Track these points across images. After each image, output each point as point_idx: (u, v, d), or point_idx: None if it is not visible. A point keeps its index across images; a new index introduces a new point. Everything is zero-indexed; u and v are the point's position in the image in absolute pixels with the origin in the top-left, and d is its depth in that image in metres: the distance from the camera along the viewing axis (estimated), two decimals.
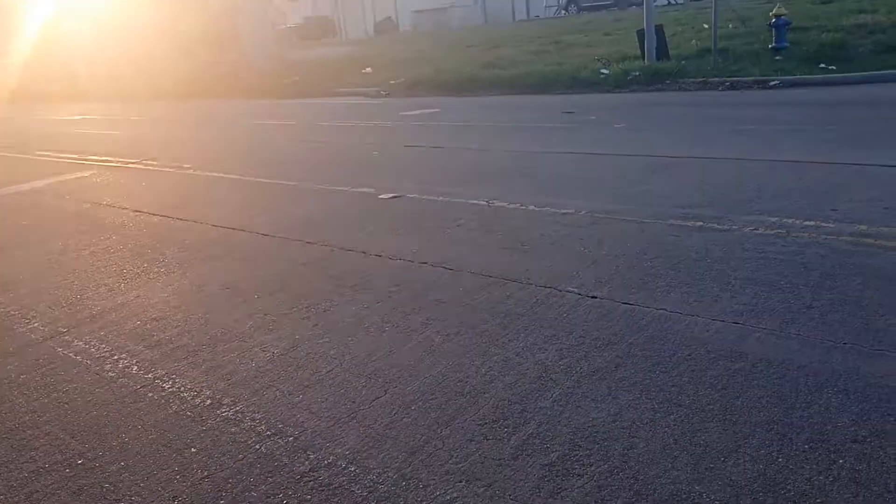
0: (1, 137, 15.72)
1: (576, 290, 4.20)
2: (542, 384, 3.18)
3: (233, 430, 3.04)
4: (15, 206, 8.15)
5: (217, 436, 3.01)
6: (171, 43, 31.19)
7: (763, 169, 6.75)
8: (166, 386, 3.50)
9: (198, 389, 3.42)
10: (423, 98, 15.80)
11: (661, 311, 3.79)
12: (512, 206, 6.18)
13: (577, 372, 3.26)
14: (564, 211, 5.85)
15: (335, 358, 3.62)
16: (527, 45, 22.11)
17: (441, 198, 6.69)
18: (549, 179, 7.19)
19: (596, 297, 4.06)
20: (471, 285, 4.43)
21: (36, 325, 4.50)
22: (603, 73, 15.44)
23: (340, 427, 2.98)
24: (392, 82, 18.62)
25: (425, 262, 4.92)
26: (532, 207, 6.05)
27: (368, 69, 22.52)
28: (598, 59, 16.88)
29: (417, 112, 13.40)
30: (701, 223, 5.25)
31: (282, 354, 3.71)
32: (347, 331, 3.93)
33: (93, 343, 4.10)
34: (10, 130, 17.29)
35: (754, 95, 12.14)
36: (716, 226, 5.17)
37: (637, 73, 14.67)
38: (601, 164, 7.81)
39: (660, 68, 14.62)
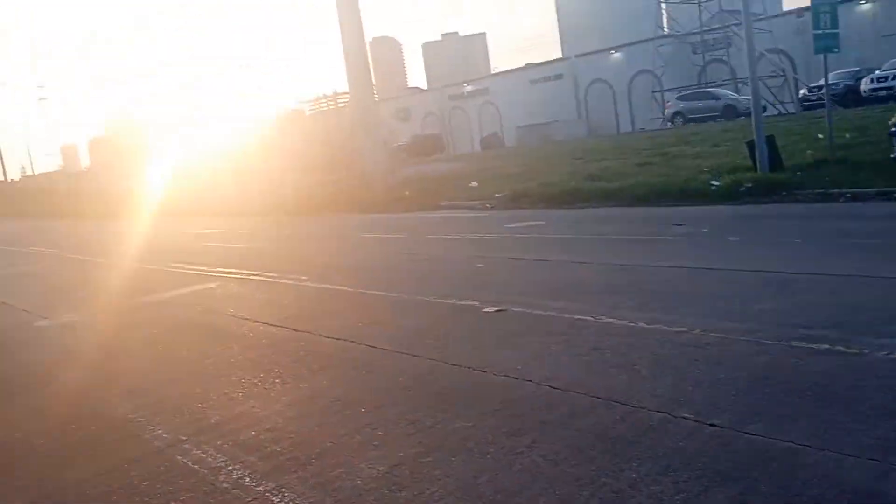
0: (140, 251, 16.98)
1: (692, 416, 4.04)
2: None
3: None
4: (146, 316, 8.73)
5: None
6: (292, 162, 33.34)
7: (891, 287, 6.42)
8: (276, 500, 3.58)
9: None
10: (527, 211, 16.06)
11: (786, 444, 3.58)
12: (620, 322, 6.10)
13: None
14: (676, 329, 5.72)
15: (439, 479, 3.60)
16: (632, 157, 22.27)
17: (546, 312, 6.69)
18: (659, 295, 7.08)
19: (714, 426, 3.88)
20: (578, 406, 4.36)
21: (160, 432, 4.73)
22: (713, 185, 15.27)
23: None
24: (497, 195, 19.05)
25: (530, 380, 4.89)
26: (642, 325, 5.95)
27: (474, 183, 23.17)
28: (708, 171, 16.74)
29: (522, 225, 13.61)
30: (827, 346, 4.98)
31: (386, 472, 3.73)
32: (452, 450, 3.93)
33: (210, 452, 4.26)
34: (150, 244, 18.66)
35: (876, 208, 11.67)
36: (843, 349, 4.89)
37: (749, 185, 14.42)
38: (714, 280, 7.64)
39: (773, 180, 14.33)
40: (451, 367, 5.39)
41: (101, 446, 4.62)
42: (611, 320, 6.17)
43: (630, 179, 17.31)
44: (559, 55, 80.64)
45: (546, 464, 3.65)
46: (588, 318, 6.33)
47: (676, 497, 3.20)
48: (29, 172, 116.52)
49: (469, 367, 5.30)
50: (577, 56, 63.36)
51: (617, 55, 58.84)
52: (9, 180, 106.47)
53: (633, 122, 56.15)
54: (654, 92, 53.96)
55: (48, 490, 4.05)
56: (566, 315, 6.49)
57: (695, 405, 4.19)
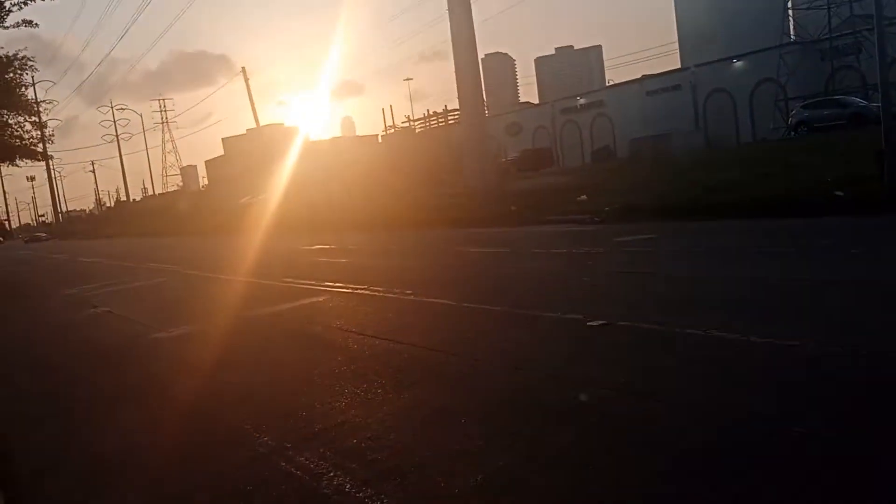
0: (253, 266, 17.71)
1: (803, 430, 3.80)
2: None
3: None
4: (257, 328, 9.05)
5: None
6: (400, 178, 34.02)
7: None
8: None
9: None
10: (639, 224, 15.64)
11: None
12: (732, 336, 5.81)
13: None
14: (790, 343, 5.40)
15: (538, 490, 3.53)
16: (752, 168, 21.35)
17: (654, 326, 6.47)
18: (775, 309, 6.73)
19: (824, 440, 3.64)
20: (684, 422, 4.18)
21: (266, 439, 4.87)
22: (838, 195, 14.41)
23: None
24: (607, 209, 18.69)
25: (634, 394, 4.73)
26: (754, 339, 5.65)
27: (583, 196, 22.86)
28: (832, 181, 15.83)
29: (632, 238, 13.27)
30: None
31: (486, 481, 3.68)
32: (552, 462, 3.84)
33: (313, 459, 4.34)
34: (262, 259, 19.45)
35: None
36: None
37: (876, 196, 13.52)
38: (835, 293, 7.18)
39: None
40: (553, 380, 5.28)
41: (210, 453, 4.79)
42: (723, 334, 5.90)
43: (749, 191, 16.58)
44: (677, 66, 78.67)
45: (653, 481, 3.50)
46: (698, 332, 6.07)
47: None
48: (150, 192, 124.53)
49: (571, 382, 5.18)
50: (696, 66, 61.68)
51: (739, 64, 56.85)
52: (131, 200, 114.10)
53: (753, 133, 53.99)
54: (777, 101, 51.71)
55: (159, 495, 4.23)
56: (675, 329, 6.25)
57: (809, 421, 3.93)
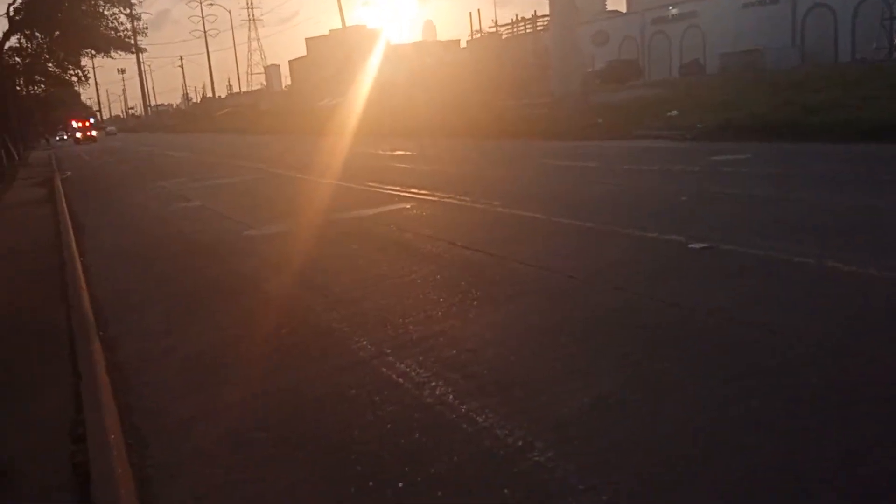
0: (337, 169, 17.80)
1: None
2: None
3: (545, 477, 3.01)
4: (347, 232, 9.11)
5: (530, 481, 2.99)
6: (482, 86, 33.28)
7: None
8: (479, 420, 3.58)
9: (510, 428, 3.46)
10: (732, 143, 14.92)
11: None
12: (848, 267, 5.50)
13: None
14: None
15: (648, 419, 3.44)
16: (853, 90, 20.00)
17: (760, 251, 6.18)
18: (889, 240, 6.32)
19: None
20: (800, 356, 3.99)
21: (364, 343, 4.91)
22: None
23: (658, 494, 2.80)
24: (699, 126, 17.89)
25: (745, 322, 4.55)
26: (872, 271, 5.33)
27: (674, 112, 21.94)
28: None
29: (728, 157, 12.68)
30: None
31: (592, 405, 3.62)
32: (661, 390, 3.74)
33: (413, 367, 4.36)
34: (346, 162, 19.53)
35: None
36: None
37: None
38: None
39: None
40: (657, 302, 5.12)
41: (310, 352, 4.88)
42: (837, 265, 5.59)
43: (851, 113, 15.54)
44: None
45: (767, 413, 3.37)
46: (809, 260, 5.77)
47: None
48: (235, 90, 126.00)
49: (676, 305, 5.02)
50: None
51: None
52: (216, 97, 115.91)
53: (853, 52, 50.39)
54: (883, 20, 47.84)
55: (260, 392, 4.32)
56: (783, 256, 5.96)
57: None
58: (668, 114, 21.84)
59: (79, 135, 72.41)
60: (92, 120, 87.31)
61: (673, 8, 67.25)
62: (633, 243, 7.08)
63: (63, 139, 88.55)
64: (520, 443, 3.31)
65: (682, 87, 32.80)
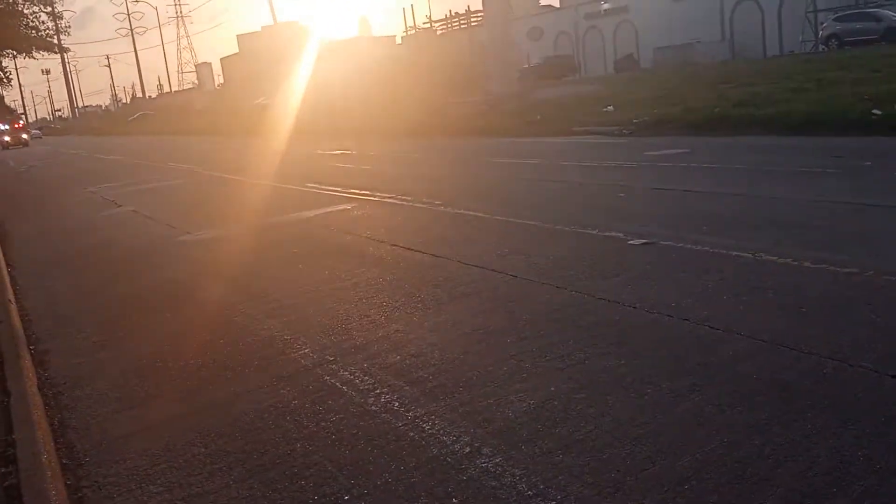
0: (273, 169, 17.50)
1: (871, 365, 3.67)
2: (838, 477, 2.76)
3: (493, 483, 2.97)
4: (288, 235, 8.94)
5: (478, 488, 2.95)
6: (419, 83, 33.19)
7: None
8: (426, 427, 3.53)
9: (456, 434, 3.41)
10: (668, 138, 15.24)
11: None
12: (782, 260, 5.64)
13: (881, 465, 2.80)
14: (847, 270, 5.22)
15: (594, 417, 3.44)
16: (783, 83, 20.62)
17: (698, 247, 6.28)
18: (823, 232, 6.51)
19: None
20: (741, 350, 4.05)
21: (306, 350, 4.80)
22: (875, 114, 13.88)
23: (606, 499, 2.79)
24: (635, 121, 18.21)
25: (686, 319, 4.60)
26: (807, 264, 5.47)
27: (610, 107, 22.28)
28: (868, 99, 15.22)
29: (664, 153, 12.92)
30: None
31: (538, 406, 3.60)
32: (605, 388, 3.74)
33: (357, 374, 4.28)
34: (283, 163, 19.21)
35: None
36: None
37: None
38: (885, 218, 6.94)
39: None
40: (599, 300, 5.15)
41: (251, 362, 4.74)
42: (772, 258, 5.72)
43: (782, 107, 16.02)
44: None
45: (710, 409, 3.40)
46: (746, 254, 5.89)
47: (859, 453, 2.90)
48: (166, 90, 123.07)
49: (617, 302, 5.05)
50: None
51: None
52: (147, 97, 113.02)
53: (781, 46, 52.03)
54: (808, 13, 49.52)
55: (199, 405, 4.18)
56: (720, 251, 6.07)
57: (874, 354, 3.80)
58: (605, 109, 22.17)
59: (7, 138, 65.52)
60: (22, 121, 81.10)
61: (605, 2, 68.32)
62: (574, 240, 7.13)
63: None
64: (467, 449, 3.27)
65: (618, 83, 33.34)
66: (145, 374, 4.79)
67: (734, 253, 5.95)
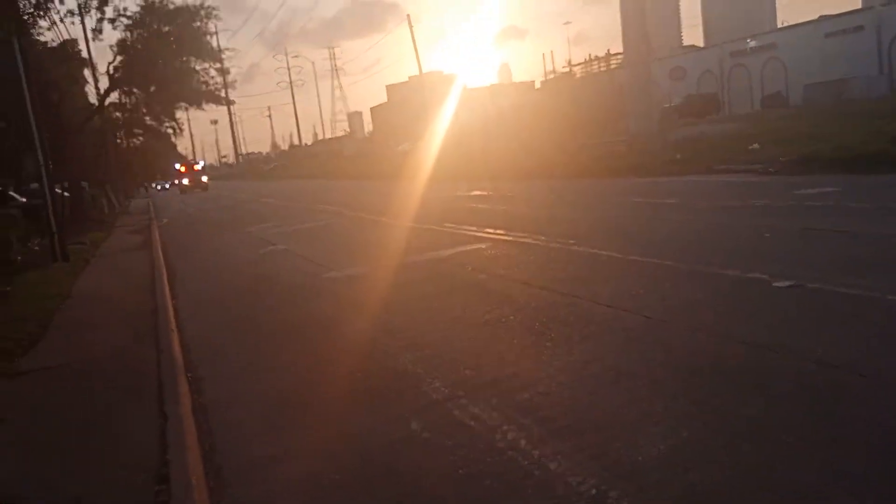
0: (414, 211, 18.04)
1: None
2: None
3: None
4: (423, 273, 9.21)
5: None
6: (557, 125, 33.31)
7: None
8: (552, 466, 3.53)
9: (583, 476, 3.39)
10: (818, 176, 14.41)
11: None
12: None
13: None
14: None
15: (728, 465, 3.32)
16: None
17: (851, 290, 5.91)
18: None
19: None
20: (892, 403, 3.77)
21: (438, 384, 4.93)
22: None
23: None
24: (782, 159, 17.36)
25: (835, 366, 4.34)
26: None
27: (756, 145, 21.40)
28: None
29: (814, 191, 12.24)
30: None
31: (669, 451, 3.52)
32: (741, 434, 3.60)
33: (486, 410, 4.34)
34: (423, 205, 19.77)
35: None
36: None
37: None
38: None
39: None
40: (739, 344, 4.96)
41: (385, 395, 4.91)
42: None
43: None
44: (858, 6, 71.38)
45: (852, 463, 3.20)
46: None
47: None
48: (320, 137, 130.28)
49: (759, 346, 4.85)
50: (883, 4, 55.51)
51: None
52: (303, 144, 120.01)
53: None
54: None
55: (339, 433, 4.38)
56: (876, 295, 5.69)
57: None
58: (750, 147, 21.31)
59: (186, 181, 62.53)
60: (201, 164, 78.67)
61: (751, 40, 66.04)
62: (713, 282, 6.89)
63: (164, 188, 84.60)
64: (593, 491, 3.24)
65: (765, 120, 31.99)
66: (289, 402, 5.08)
67: (889, 297, 5.56)
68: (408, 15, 51.12)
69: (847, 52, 53.58)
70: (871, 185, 12.77)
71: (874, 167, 14.29)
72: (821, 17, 62.95)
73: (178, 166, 68.05)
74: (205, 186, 61.93)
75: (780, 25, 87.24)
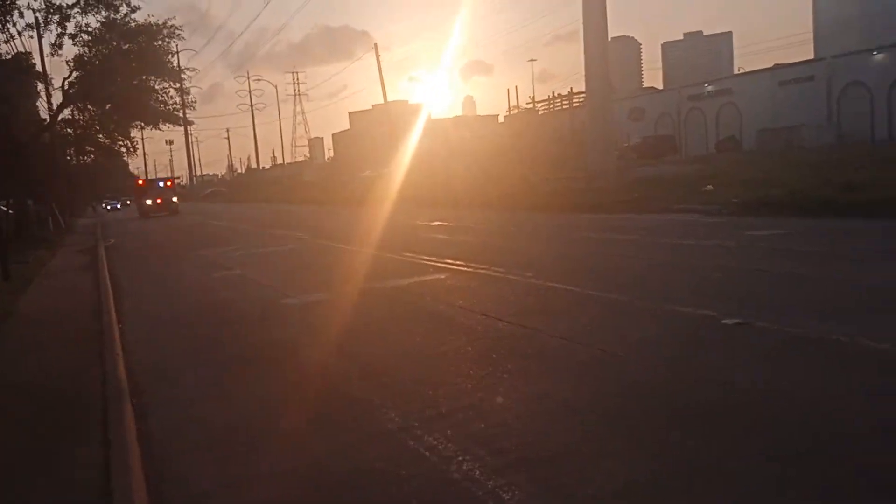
0: (375, 238, 17.99)
1: None
2: None
3: None
4: (382, 301, 9.19)
5: None
6: (518, 159, 33.73)
7: None
8: (506, 497, 3.54)
9: None
10: (769, 219, 14.83)
11: None
12: (882, 346, 5.38)
13: None
14: None
15: (681, 502, 3.36)
16: (892, 168, 19.81)
17: (795, 329, 6.08)
18: None
19: None
20: (848, 436, 3.89)
21: (393, 415, 4.90)
22: None
23: None
24: (734, 201, 17.84)
25: (784, 402, 4.44)
26: None
27: (709, 187, 21.97)
28: None
29: (764, 233, 12.59)
30: None
31: (623, 488, 3.55)
32: (700, 472, 3.65)
33: (441, 441, 4.33)
34: (384, 232, 19.72)
35: None
36: None
37: None
38: None
39: None
40: (690, 380, 5.05)
41: (339, 423, 4.86)
42: (870, 343, 5.47)
43: (891, 192, 15.31)
44: (810, 56, 74.34)
45: (818, 501, 3.27)
46: (842, 338, 5.66)
47: None
48: (279, 161, 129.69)
49: (709, 381, 4.94)
50: (833, 57, 57.93)
51: (881, 56, 52.83)
52: (261, 168, 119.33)
53: (890, 131, 50.19)
54: None
55: (289, 463, 4.31)
56: (817, 336, 5.85)
57: None
58: (704, 188, 21.86)
59: (149, 201, 49.25)
60: (178, 179, 68.88)
61: (708, 85, 68.04)
62: (666, 317, 7.02)
63: (115, 208, 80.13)
64: None
65: (719, 163, 32.86)
66: (240, 430, 4.98)
67: (833, 336, 5.72)
68: (375, 44, 51.47)
69: (798, 101, 55.62)
70: (820, 230, 13.18)
71: (823, 212, 14.76)
72: (775, 65, 65.40)
73: (139, 182, 55.84)
74: (175, 209, 49.13)
75: (736, 72, 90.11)
